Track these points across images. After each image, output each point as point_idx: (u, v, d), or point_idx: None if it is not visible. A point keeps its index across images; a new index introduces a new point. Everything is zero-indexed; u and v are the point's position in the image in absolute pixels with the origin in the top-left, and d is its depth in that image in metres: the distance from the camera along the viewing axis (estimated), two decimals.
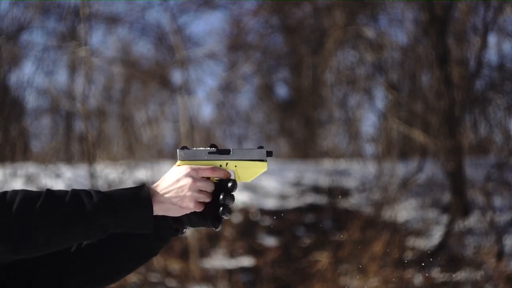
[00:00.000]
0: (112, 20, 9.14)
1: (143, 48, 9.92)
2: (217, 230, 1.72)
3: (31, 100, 9.08)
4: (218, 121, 10.40)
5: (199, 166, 1.69)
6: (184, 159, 1.70)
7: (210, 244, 7.72)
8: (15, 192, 1.56)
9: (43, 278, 1.70)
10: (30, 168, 7.89)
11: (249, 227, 8.03)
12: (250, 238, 7.89)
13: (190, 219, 1.71)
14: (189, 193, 1.66)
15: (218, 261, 7.56)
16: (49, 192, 1.58)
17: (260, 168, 1.73)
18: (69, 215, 1.55)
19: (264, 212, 8.28)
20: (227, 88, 10.39)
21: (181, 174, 1.67)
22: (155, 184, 1.68)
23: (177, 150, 1.72)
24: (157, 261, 7.40)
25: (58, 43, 8.63)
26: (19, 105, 8.64)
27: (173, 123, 9.90)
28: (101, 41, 9.33)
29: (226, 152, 1.70)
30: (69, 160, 9.33)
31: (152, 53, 9.89)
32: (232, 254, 7.66)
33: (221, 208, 1.68)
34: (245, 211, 8.24)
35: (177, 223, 1.73)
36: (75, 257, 1.72)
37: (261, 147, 1.72)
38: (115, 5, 9.39)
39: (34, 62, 8.53)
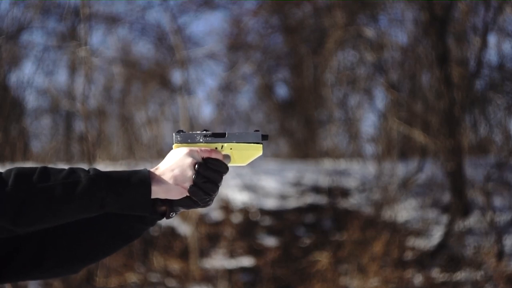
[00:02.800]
0: (112, 20, 9.14)
1: (143, 48, 9.92)
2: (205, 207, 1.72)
3: (31, 100, 9.09)
4: (218, 121, 10.40)
5: (199, 148, 1.70)
6: (180, 142, 1.72)
7: (210, 244, 7.72)
8: (10, 169, 1.57)
9: (25, 252, 1.69)
10: None
11: (249, 227, 8.03)
12: (250, 238, 7.89)
13: (183, 200, 1.68)
14: (191, 172, 1.66)
15: (218, 261, 7.56)
16: (44, 167, 1.58)
17: (255, 150, 1.73)
18: (65, 187, 1.55)
19: (264, 212, 8.28)
20: (227, 88, 10.39)
21: (182, 154, 1.67)
22: (155, 168, 1.67)
23: (173, 133, 1.72)
24: (157, 261, 7.41)
25: (58, 43, 8.63)
26: (19, 105, 8.65)
27: (173, 123, 9.90)
28: (101, 41, 9.34)
29: (222, 135, 1.72)
30: (69, 160, 9.32)
31: (152, 53, 9.89)
32: (232, 254, 7.66)
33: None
34: (245, 211, 8.24)
35: (164, 205, 1.70)
36: (58, 233, 1.71)
37: (257, 131, 1.74)
38: (115, 5, 9.39)
39: (34, 62, 8.54)
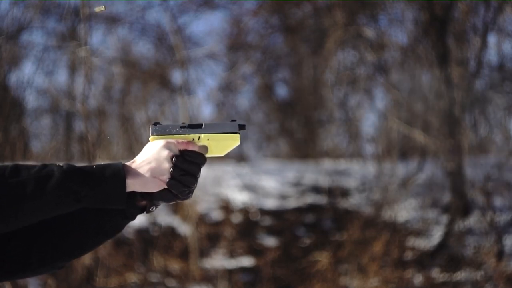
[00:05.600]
0: (112, 20, 9.14)
1: (143, 48, 9.91)
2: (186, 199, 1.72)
3: (31, 100, 9.08)
4: (218, 121, 10.38)
5: (176, 140, 1.70)
6: (158, 133, 1.72)
7: (210, 244, 7.72)
8: None
9: (10, 251, 1.69)
10: None
11: (249, 227, 8.03)
12: (250, 238, 7.89)
13: (163, 194, 1.68)
14: (168, 165, 1.66)
15: (218, 261, 7.56)
16: (16, 164, 1.59)
17: (232, 141, 1.74)
18: (38, 181, 1.55)
19: (264, 212, 8.28)
20: (227, 88, 10.39)
21: (159, 146, 1.67)
22: (131, 161, 1.67)
23: (150, 125, 1.72)
24: (157, 261, 7.40)
25: (58, 43, 8.62)
26: (19, 105, 8.64)
27: (173, 123, 9.89)
28: (101, 41, 9.33)
29: (198, 126, 1.73)
30: (69, 160, 9.32)
31: (152, 53, 9.88)
32: (232, 254, 7.66)
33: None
34: (245, 211, 8.24)
35: (144, 200, 1.70)
36: (42, 232, 1.70)
37: (233, 120, 1.74)
38: (115, 5, 9.39)
39: (34, 62, 8.53)
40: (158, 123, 1.74)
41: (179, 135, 1.72)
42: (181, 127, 1.73)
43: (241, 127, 1.74)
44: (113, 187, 1.60)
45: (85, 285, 7.01)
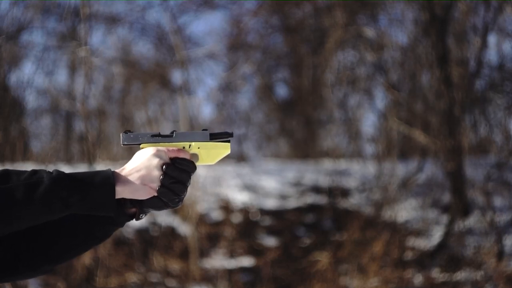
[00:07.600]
0: (112, 20, 9.14)
1: (143, 48, 9.92)
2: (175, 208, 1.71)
3: (31, 100, 9.09)
4: (218, 121, 10.40)
5: (167, 148, 1.69)
6: (128, 141, 1.71)
7: (210, 244, 7.72)
8: None
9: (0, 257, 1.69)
10: (30, 168, 7.87)
11: (249, 227, 8.03)
12: (250, 238, 7.89)
13: (153, 201, 1.67)
14: (158, 172, 1.65)
15: (218, 261, 7.56)
16: (6, 169, 1.59)
17: (223, 149, 1.73)
18: (27, 188, 1.55)
19: (264, 212, 8.28)
20: (227, 88, 10.39)
21: (149, 154, 1.67)
22: (121, 168, 1.66)
23: (121, 133, 1.71)
24: (157, 261, 7.41)
25: (58, 43, 8.63)
26: (19, 105, 8.64)
27: (173, 123, 9.90)
28: (101, 41, 9.33)
29: (169, 135, 1.71)
30: (69, 160, 9.33)
31: (152, 53, 9.88)
32: (232, 254, 7.66)
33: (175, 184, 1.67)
34: (245, 211, 8.24)
35: (134, 207, 1.70)
36: (30, 236, 1.70)
37: (205, 130, 1.73)
38: (115, 5, 9.39)
39: (34, 62, 8.53)
40: (129, 131, 1.72)
41: (169, 143, 1.70)
42: (152, 136, 1.71)
43: (213, 136, 1.73)
44: (102, 194, 1.60)
45: (85, 285, 7.01)
